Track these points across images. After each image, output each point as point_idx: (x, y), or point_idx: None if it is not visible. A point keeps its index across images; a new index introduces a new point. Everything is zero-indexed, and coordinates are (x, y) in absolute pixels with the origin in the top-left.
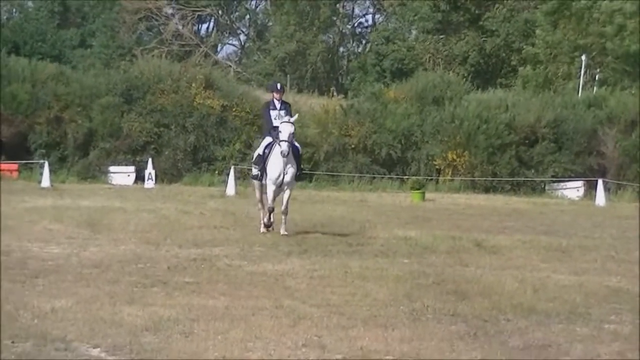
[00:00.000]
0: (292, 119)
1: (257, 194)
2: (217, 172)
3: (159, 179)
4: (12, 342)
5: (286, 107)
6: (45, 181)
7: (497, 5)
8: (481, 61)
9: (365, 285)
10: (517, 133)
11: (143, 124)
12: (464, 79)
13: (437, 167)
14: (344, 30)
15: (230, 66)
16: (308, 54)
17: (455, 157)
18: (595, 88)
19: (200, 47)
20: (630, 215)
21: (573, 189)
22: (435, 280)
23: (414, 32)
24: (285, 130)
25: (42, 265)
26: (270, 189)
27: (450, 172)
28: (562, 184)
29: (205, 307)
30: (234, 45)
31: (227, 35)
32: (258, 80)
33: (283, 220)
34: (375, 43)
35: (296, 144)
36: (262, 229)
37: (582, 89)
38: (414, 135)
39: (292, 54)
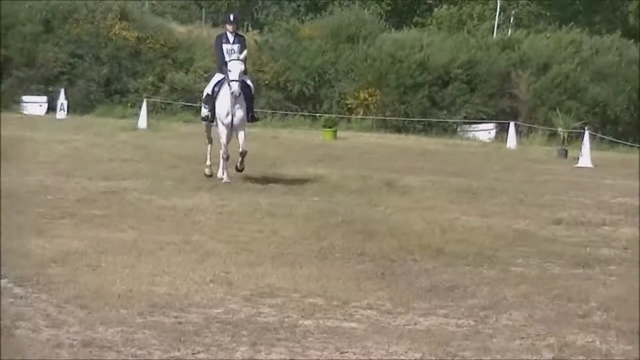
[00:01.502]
0: (241, 56)
1: (205, 134)
2: (129, 104)
3: (71, 110)
4: None
5: (240, 40)
6: None
7: None
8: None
9: (273, 222)
10: (429, 73)
11: (58, 54)
12: (379, 18)
13: (349, 105)
14: None
15: None
16: None
17: (367, 96)
18: (509, 30)
19: None
20: (540, 159)
21: (485, 131)
22: (344, 219)
23: None
24: (235, 68)
25: None
26: (222, 131)
27: (362, 111)
28: (473, 125)
29: (113, 240)
30: None
31: None
32: (173, 13)
33: (237, 165)
34: None
35: (248, 82)
36: (206, 171)
37: (497, 30)
38: (328, 73)
39: None
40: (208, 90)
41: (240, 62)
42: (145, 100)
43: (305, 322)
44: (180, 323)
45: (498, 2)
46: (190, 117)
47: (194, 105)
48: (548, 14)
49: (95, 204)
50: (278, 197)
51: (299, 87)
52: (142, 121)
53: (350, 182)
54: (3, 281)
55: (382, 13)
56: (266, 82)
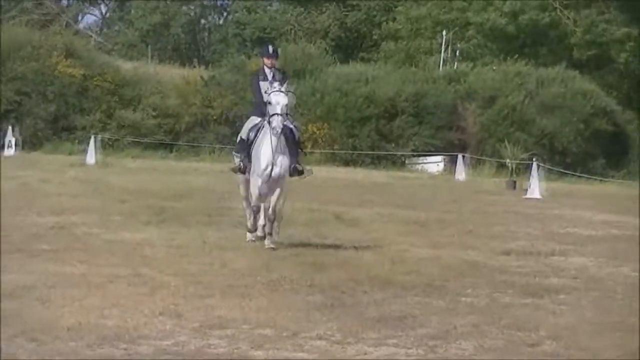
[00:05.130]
0: (283, 87)
1: (242, 191)
2: (77, 141)
3: (19, 147)
4: None
5: (282, 77)
6: None
7: None
8: (342, 35)
9: (223, 255)
10: (377, 106)
11: (3, 92)
12: (326, 52)
13: None
14: (205, 3)
15: (91, 36)
16: (170, 25)
17: (315, 129)
18: (456, 63)
19: (61, 16)
20: (489, 190)
21: (433, 164)
22: (293, 252)
23: (275, 3)
24: (278, 101)
25: None
26: (256, 184)
27: (310, 145)
28: (422, 158)
29: (62, 274)
30: (95, 15)
31: (88, 4)
32: (120, 51)
33: (268, 228)
34: (236, 12)
35: (292, 124)
36: (248, 236)
37: (443, 64)
38: None
39: (155, 25)
40: (242, 134)
41: (284, 94)
42: (92, 137)
43: (255, 353)
44: (129, 355)
45: (444, 35)
46: (138, 153)
47: (142, 141)
48: (494, 47)
49: (44, 238)
50: (227, 230)
51: None
52: (91, 157)
53: (300, 214)
54: None
55: (328, 48)
56: (214, 117)
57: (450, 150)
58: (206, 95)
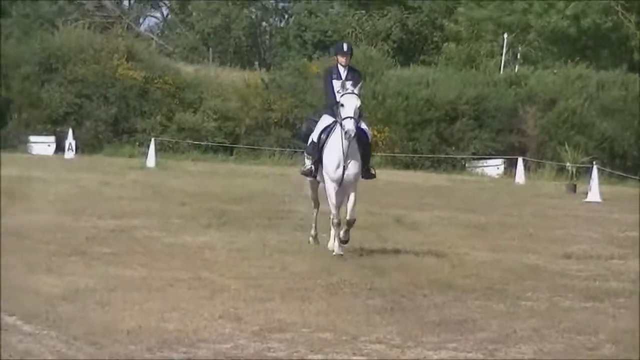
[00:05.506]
0: (356, 90)
1: (312, 196)
2: (137, 143)
3: (79, 149)
4: None
5: (354, 75)
6: None
7: None
8: (404, 37)
9: (283, 258)
10: (437, 110)
11: (63, 94)
12: (387, 55)
13: None
14: (266, 5)
15: (152, 39)
16: (232, 28)
17: (376, 132)
18: (517, 66)
19: (123, 19)
20: (549, 194)
21: (493, 167)
22: (354, 255)
23: (336, 6)
24: (350, 104)
25: None
26: (331, 189)
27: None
28: (482, 161)
29: (122, 277)
30: (156, 17)
31: (149, 7)
32: (181, 53)
33: (340, 234)
34: (298, 15)
35: (364, 126)
36: (311, 241)
37: (504, 67)
38: None
39: (216, 28)
40: (313, 137)
41: (356, 96)
42: (153, 139)
43: (314, 357)
44: (189, 359)
45: (505, 38)
46: (198, 156)
47: (202, 144)
48: (555, 50)
49: (104, 241)
50: (287, 234)
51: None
52: (151, 160)
53: (360, 218)
54: (12, 318)
55: (389, 50)
56: (274, 120)
57: (511, 153)
58: (266, 98)
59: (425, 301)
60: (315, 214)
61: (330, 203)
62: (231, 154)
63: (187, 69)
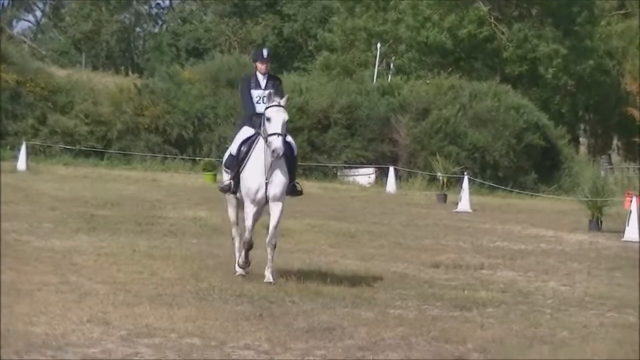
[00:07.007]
0: (282, 102)
1: (231, 214)
2: (9, 147)
3: None
4: None
5: (275, 84)
6: None
7: None
8: (279, 45)
9: (152, 264)
10: (309, 117)
11: None
12: None
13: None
14: (140, 11)
15: (25, 42)
16: (103, 32)
17: None
18: (390, 76)
19: None
20: (420, 203)
21: (364, 176)
22: (223, 261)
23: (210, 14)
24: (277, 118)
25: None
26: (249, 209)
27: None
28: (353, 170)
29: None
30: (29, 21)
31: (22, 10)
32: (53, 57)
33: (269, 256)
34: (172, 23)
35: (290, 139)
36: (237, 269)
37: (378, 77)
38: (207, 117)
39: (88, 33)
40: (232, 149)
41: (283, 109)
42: (24, 143)
43: None
44: None
45: (379, 48)
46: (69, 160)
47: (73, 148)
48: (428, 61)
49: None
50: (157, 239)
51: (178, 131)
52: (22, 163)
53: (229, 224)
54: None
55: None
56: (145, 125)
57: (382, 162)
58: (139, 104)
59: (294, 308)
60: (236, 240)
61: (246, 224)
62: (102, 159)
63: (60, 73)
